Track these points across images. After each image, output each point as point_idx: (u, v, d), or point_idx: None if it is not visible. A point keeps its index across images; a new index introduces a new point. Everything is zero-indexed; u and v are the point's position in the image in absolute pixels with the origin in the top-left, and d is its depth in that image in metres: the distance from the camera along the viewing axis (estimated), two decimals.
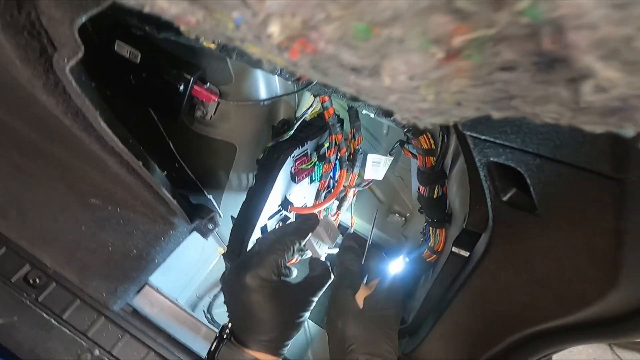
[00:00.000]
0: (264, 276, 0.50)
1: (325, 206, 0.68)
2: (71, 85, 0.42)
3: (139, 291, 0.85)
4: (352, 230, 0.78)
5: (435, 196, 0.65)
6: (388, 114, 0.55)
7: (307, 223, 0.59)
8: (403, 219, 0.93)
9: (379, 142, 0.92)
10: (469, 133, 0.27)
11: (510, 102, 0.16)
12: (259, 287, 0.49)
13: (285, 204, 0.70)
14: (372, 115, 0.71)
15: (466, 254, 0.43)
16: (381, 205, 0.98)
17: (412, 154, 0.68)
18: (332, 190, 0.71)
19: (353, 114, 0.69)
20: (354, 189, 0.76)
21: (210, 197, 0.91)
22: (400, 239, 0.94)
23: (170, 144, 0.79)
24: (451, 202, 0.62)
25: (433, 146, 0.61)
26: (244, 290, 0.49)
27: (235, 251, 0.65)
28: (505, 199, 0.28)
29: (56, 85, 0.46)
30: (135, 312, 0.82)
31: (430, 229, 0.69)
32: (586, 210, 0.25)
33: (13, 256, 0.80)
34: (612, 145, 0.22)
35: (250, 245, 0.66)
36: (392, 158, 0.72)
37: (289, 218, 0.73)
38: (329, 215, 0.77)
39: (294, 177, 0.69)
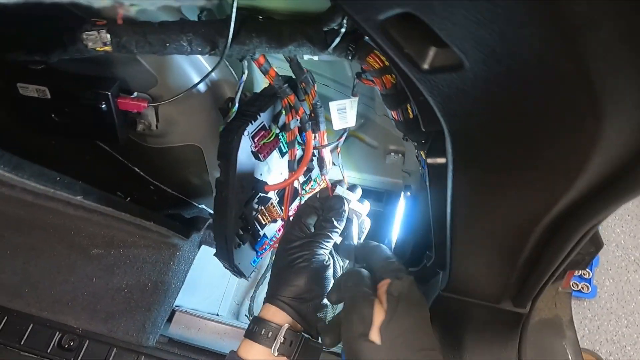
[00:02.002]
0: None
1: (299, 175, 0.62)
2: None
3: (169, 319, 0.85)
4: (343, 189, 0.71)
5: (411, 117, 0.58)
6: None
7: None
8: (400, 155, 0.86)
9: (346, 87, 0.85)
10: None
11: None
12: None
13: (260, 185, 0.64)
14: (315, 59, 0.64)
15: (442, 160, 0.36)
16: (375, 150, 0.92)
17: (372, 81, 0.60)
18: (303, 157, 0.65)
19: (295, 66, 0.62)
20: (329, 147, 0.69)
21: (203, 205, 0.87)
22: (405, 177, 0.87)
23: (136, 168, 0.75)
24: None
25: (386, 62, 0.54)
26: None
27: (222, 249, 0.61)
28: (426, 66, 0.21)
29: None
30: (172, 341, 0.81)
31: (422, 153, 0.62)
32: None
33: (41, 329, 0.81)
34: None
35: (233, 240, 0.62)
36: (356, 99, 0.65)
37: (270, 199, 0.68)
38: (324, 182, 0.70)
39: (258, 155, 0.63)
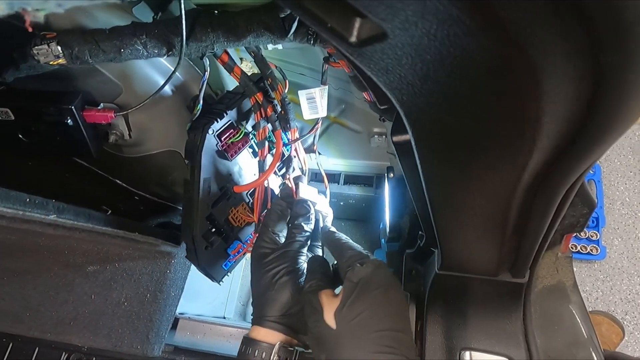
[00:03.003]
0: None
1: (268, 176, 0.60)
2: None
3: (173, 328, 0.84)
4: (326, 191, 0.69)
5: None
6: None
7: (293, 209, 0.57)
8: (384, 137, 0.85)
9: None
10: None
11: None
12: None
13: (230, 185, 0.63)
14: (279, 47, 0.62)
15: (406, 137, 0.34)
16: (359, 135, 0.90)
17: (338, 64, 0.58)
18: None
19: (260, 61, 0.60)
20: (299, 140, 0.67)
21: None
22: (391, 159, 0.86)
23: (117, 181, 0.74)
24: None
25: None
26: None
27: (191, 250, 0.60)
28: (354, 39, 0.19)
29: None
30: (178, 348, 0.81)
31: (391, 139, 0.60)
32: None
33: (47, 351, 0.81)
34: None
35: (200, 241, 0.61)
36: (326, 87, 0.63)
37: (241, 200, 0.66)
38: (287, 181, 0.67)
39: (224, 154, 0.61)
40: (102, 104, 0.59)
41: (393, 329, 0.41)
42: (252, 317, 0.53)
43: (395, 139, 0.34)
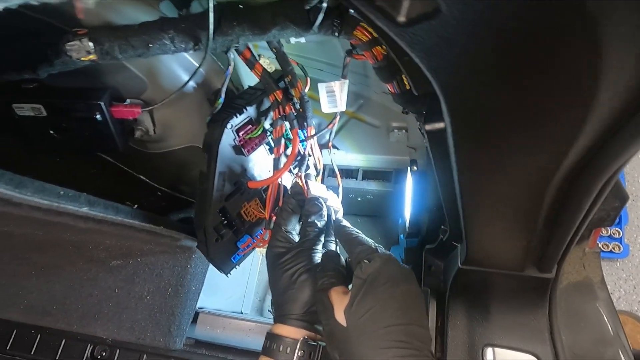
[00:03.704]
0: None
1: (282, 174, 0.60)
2: None
3: (193, 322, 0.85)
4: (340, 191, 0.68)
5: (407, 87, 0.55)
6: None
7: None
8: (404, 131, 0.84)
9: (341, 68, 0.82)
10: None
11: None
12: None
13: (244, 180, 0.63)
14: (302, 41, 0.62)
15: (441, 125, 0.34)
16: (377, 129, 0.89)
17: (363, 55, 0.58)
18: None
19: (281, 57, 0.59)
20: (315, 137, 0.66)
21: None
22: (411, 153, 0.85)
23: (141, 176, 0.76)
24: None
25: (374, 34, 0.51)
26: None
27: (201, 241, 0.61)
28: (402, 18, 0.19)
29: None
30: (199, 342, 0.82)
31: (424, 127, 0.60)
32: None
33: (73, 343, 0.83)
34: None
35: (211, 233, 0.61)
36: (346, 81, 0.62)
37: (254, 196, 0.66)
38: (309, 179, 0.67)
39: (241, 149, 0.61)
40: (128, 100, 0.60)
41: (404, 322, 0.40)
42: (268, 310, 0.54)
43: (428, 127, 0.34)
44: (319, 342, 0.51)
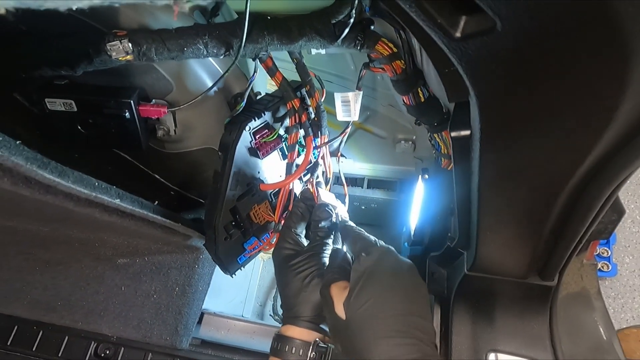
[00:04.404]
0: None
1: (294, 179, 0.63)
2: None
3: (199, 322, 0.86)
4: (347, 196, 0.70)
5: (422, 100, 0.59)
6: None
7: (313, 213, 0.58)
8: (410, 142, 0.87)
9: (350, 81, 0.86)
10: None
11: None
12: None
13: (256, 183, 0.65)
14: (322, 52, 0.65)
15: (467, 132, 0.37)
16: (384, 140, 0.93)
17: (381, 69, 0.62)
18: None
19: (301, 68, 0.63)
20: (331, 142, 0.69)
21: None
22: (417, 163, 0.88)
23: (156, 175, 0.77)
24: (440, 97, 0.56)
25: (394, 49, 0.55)
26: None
27: (210, 239, 0.62)
28: (458, 34, 0.22)
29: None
30: (205, 342, 0.83)
31: (435, 136, 0.63)
32: None
33: (77, 340, 0.83)
34: None
35: (221, 231, 0.63)
36: (360, 92, 0.66)
37: (265, 199, 0.68)
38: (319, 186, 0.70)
39: (257, 151, 0.64)
40: (154, 100, 0.62)
41: (403, 313, 0.40)
42: (269, 315, 0.54)
43: (454, 134, 0.37)
44: (329, 345, 0.51)
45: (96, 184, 0.45)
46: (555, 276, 0.60)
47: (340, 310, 0.43)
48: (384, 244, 0.49)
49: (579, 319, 0.71)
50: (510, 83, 0.24)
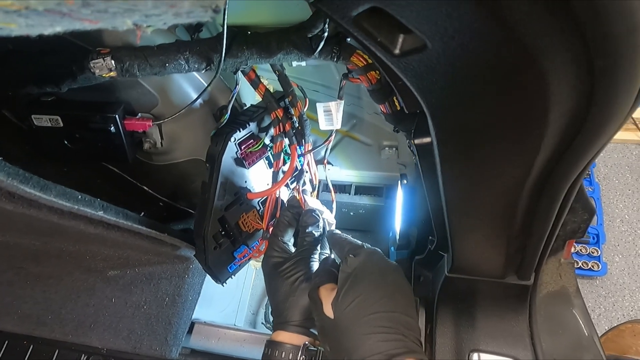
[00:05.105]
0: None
1: (280, 186, 0.65)
2: None
3: (190, 332, 0.87)
4: (334, 203, 0.72)
5: (398, 108, 0.61)
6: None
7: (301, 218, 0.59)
8: (394, 149, 0.90)
9: (336, 90, 0.88)
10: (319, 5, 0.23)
11: None
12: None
13: (243, 192, 0.67)
14: (303, 64, 0.68)
15: (428, 139, 0.39)
16: (370, 147, 0.95)
17: (358, 79, 0.64)
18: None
19: (283, 80, 0.65)
20: (312, 153, 0.71)
21: None
22: (401, 169, 0.91)
23: (144, 187, 0.79)
24: None
25: (369, 60, 0.58)
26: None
27: (200, 249, 0.64)
28: (397, 51, 0.24)
29: None
30: (194, 351, 0.83)
31: (413, 142, 0.65)
32: None
33: (67, 353, 0.83)
34: None
35: (210, 241, 0.64)
36: (341, 102, 0.68)
37: (253, 207, 0.70)
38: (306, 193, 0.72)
39: (242, 161, 0.66)
40: (139, 114, 0.64)
41: (387, 310, 0.42)
42: (261, 323, 0.56)
43: (417, 141, 0.39)
44: (319, 347, 0.52)
45: (79, 196, 0.47)
46: (532, 274, 0.62)
47: (328, 310, 0.45)
48: (370, 246, 0.51)
49: (559, 316, 0.73)
50: (453, 94, 0.26)
